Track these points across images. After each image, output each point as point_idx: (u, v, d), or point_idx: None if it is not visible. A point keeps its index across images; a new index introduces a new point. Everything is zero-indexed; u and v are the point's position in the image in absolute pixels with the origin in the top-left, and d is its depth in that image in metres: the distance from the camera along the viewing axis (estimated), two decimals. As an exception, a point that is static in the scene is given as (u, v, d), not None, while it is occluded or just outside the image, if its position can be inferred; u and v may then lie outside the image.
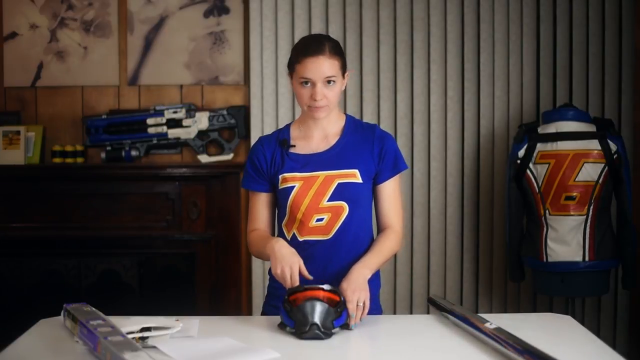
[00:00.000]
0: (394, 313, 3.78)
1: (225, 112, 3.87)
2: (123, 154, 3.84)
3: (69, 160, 3.83)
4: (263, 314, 2.20)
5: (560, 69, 3.73)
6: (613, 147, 3.21)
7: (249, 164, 2.17)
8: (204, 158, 3.87)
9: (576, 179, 3.20)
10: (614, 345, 3.61)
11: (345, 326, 1.90)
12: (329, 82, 2.04)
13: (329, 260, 2.09)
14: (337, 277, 2.01)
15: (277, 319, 1.93)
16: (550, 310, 3.66)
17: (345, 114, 2.22)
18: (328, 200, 2.07)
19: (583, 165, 3.20)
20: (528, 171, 3.30)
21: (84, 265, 3.82)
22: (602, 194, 3.22)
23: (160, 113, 3.86)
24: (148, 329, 1.77)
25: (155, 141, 3.87)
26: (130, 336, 1.69)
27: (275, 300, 2.10)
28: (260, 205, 2.18)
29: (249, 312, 3.83)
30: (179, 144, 3.91)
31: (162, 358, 1.67)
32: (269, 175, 2.14)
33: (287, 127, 2.20)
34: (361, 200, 2.11)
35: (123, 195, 3.84)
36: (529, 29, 3.73)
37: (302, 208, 2.07)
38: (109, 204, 3.83)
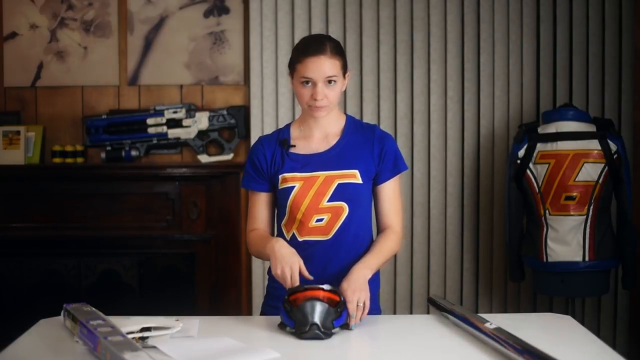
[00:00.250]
0: (394, 313, 3.78)
1: (225, 112, 3.87)
2: (123, 154, 3.84)
3: (69, 160, 3.83)
4: (262, 314, 2.20)
5: (560, 69, 3.73)
6: (613, 147, 3.21)
7: (249, 164, 2.17)
8: (204, 158, 3.87)
9: (576, 179, 3.20)
10: (614, 345, 3.61)
11: (345, 326, 1.89)
12: (329, 82, 2.04)
13: (329, 261, 2.09)
14: (337, 277, 2.01)
15: (277, 319, 1.93)
16: (550, 310, 3.66)
17: (345, 114, 2.23)
18: (328, 201, 2.07)
19: (583, 165, 3.20)
20: (528, 171, 3.30)
21: (84, 265, 3.82)
22: (602, 194, 3.21)
23: (160, 113, 3.86)
24: (148, 329, 1.77)
25: (155, 141, 3.87)
26: (130, 336, 1.69)
27: (275, 300, 2.10)
28: (260, 205, 2.17)
29: (248, 312, 3.83)
30: (179, 144, 3.91)
31: (162, 358, 1.67)
32: (269, 175, 2.14)
33: (287, 127, 2.20)
34: (361, 201, 2.11)
35: (123, 195, 3.84)
36: (529, 29, 3.73)
37: (302, 208, 2.07)
38: (109, 204, 3.83)
